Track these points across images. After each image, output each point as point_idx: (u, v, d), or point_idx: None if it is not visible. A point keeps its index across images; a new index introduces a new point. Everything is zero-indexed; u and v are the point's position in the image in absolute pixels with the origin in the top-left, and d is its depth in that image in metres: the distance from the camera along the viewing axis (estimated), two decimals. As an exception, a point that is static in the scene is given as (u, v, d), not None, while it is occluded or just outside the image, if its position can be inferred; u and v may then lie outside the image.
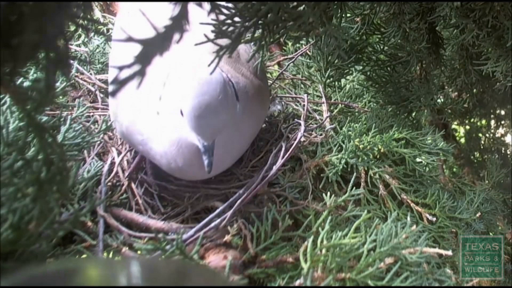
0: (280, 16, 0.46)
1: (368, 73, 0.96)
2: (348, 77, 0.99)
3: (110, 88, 0.33)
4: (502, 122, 1.43)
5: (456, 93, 1.12)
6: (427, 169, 0.77)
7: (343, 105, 0.90)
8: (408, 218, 0.61)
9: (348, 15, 0.86)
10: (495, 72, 0.72)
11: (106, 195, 0.61)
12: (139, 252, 0.54)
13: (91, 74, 0.86)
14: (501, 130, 1.43)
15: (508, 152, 1.36)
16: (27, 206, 0.43)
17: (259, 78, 0.67)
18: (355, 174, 0.69)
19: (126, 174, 0.66)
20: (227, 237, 0.55)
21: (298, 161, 0.72)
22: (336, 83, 0.95)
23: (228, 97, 0.54)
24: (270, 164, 0.64)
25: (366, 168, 0.71)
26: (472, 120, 1.42)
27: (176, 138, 0.56)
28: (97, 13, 1.16)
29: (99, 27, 1.00)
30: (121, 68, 0.31)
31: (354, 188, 0.62)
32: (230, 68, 0.62)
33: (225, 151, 0.59)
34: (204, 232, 0.54)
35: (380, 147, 0.71)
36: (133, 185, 0.65)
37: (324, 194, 0.61)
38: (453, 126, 1.46)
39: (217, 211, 0.57)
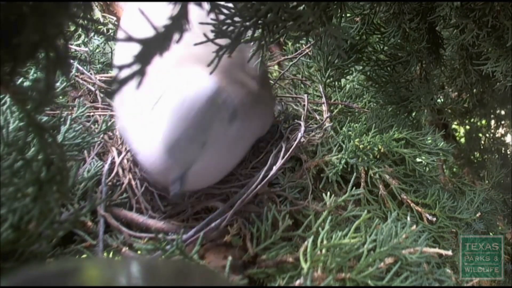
0: (280, 16, 0.46)
1: (368, 73, 0.96)
2: (348, 77, 0.99)
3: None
4: (502, 122, 1.43)
5: (456, 93, 1.13)
6: (427, 169, 0.77)
7: (343, 105, 0.90)
8: (408, 218, 0.61)
9: (348, 15, 0.86)
10: (495, 72, 0.72)
11: (106, 195, 0.61)
12: (139, 252, 0.54)
13: (91, 74, 0.86)
14: (501, 130, 1.43)
15: (508, 152, 1.36)
16: (27, 206, 0.43)
17: (263, 85, 0.67)
18: (355, 174, 0.69)
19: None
20: (227, 237, 0.55)
21: (298, 161, 0.72)
22: (336, 83, 0.95)
23: (200, 133, 0.51)
24: (270, 164, 0.64)
25: (366, 168, 0.71)
26: (472, 120, 1.42)
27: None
28: (97, 13, 1.16)
29: (99, 27, 1.00)
30: (121, 68, 0.31)
31: (354, 188, 0.62)
32: (234, 87, 0.60)
33: (217, 164, 0.58)
34: (204, 232, 0.54)
35: (380, 147, 0.71)
36: (133, 184, 0.65)
37: (324, 194, 0.61)
38: (453, 126, 1.46)
39: (217, 211, 0.57)
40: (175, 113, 0.50)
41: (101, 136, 0.70)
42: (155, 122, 0.51)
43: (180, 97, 0.51)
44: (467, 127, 1.46)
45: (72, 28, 0.37)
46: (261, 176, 0.62)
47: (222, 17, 0.45)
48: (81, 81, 0.85)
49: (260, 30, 0.48)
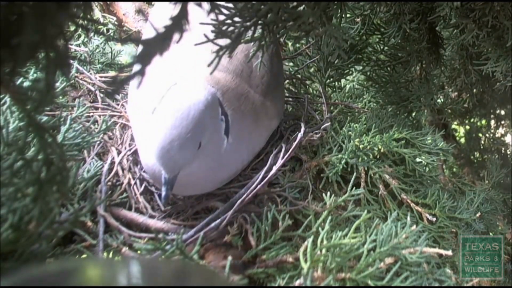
0: (280, 16, 0.46)
1: (368, 73, 0.96)
2: (348, 77, 0.99)
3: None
4: (502, 122, 1.43)
5: (456, 93, 1.13)
6: (427, 169, 0.77)
7: (343, 105, 0.90)
8: (408, 218, 0.61)
9: (348, 15, 0.86)
10: (495, 72, 0.72)
11: (106, 194, 0.61)
12: (139, 252, 0.54)
13: (91, 74, 0.86)
14: (501, 130, 1.43)
15: (508, 152, 1.36)
16: (27, 206, 0.43)
17: (268, 93, 0.67)
18: (355, 174, 0.68)
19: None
20: (227, 237, 0.55)
21: (298, 161, 0.72)
22: (336, 83, 0.95)
23: (195, 137, 0.53)
24: (270, 164, 0.64)
25: (366, 168, 0.71)
26: (472, 120, 1.42)
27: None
28: (97, 13, 1.16)
29: (99, 27, 1.00)
30: (121, 68, 0.31)
31: (354, 188, 0.62)
32: (232, 94, 0.61)
33: (210, 176, 0.60)
34: (204, 232, 0.54)
35: (380, 147, 0.71)
36: (133, 183, 0.65)
37: (324, 194, 0.61)
38: (453, 126, 1.46)
39: (217, 211, 0.57)
40: (170, 120, 0.52)
41: (101, 136, 0.70)
42: (153, 126, 0.53)
43: (176, 104, 0.53)
44: (467, 127, 1.46)
45: (72, 28, 0.37)
46: (261, 176, 0.62)
47: (222, 17, 0.45)
48: (81, 81, 0.85)
49: (260, 30, 0.48)
